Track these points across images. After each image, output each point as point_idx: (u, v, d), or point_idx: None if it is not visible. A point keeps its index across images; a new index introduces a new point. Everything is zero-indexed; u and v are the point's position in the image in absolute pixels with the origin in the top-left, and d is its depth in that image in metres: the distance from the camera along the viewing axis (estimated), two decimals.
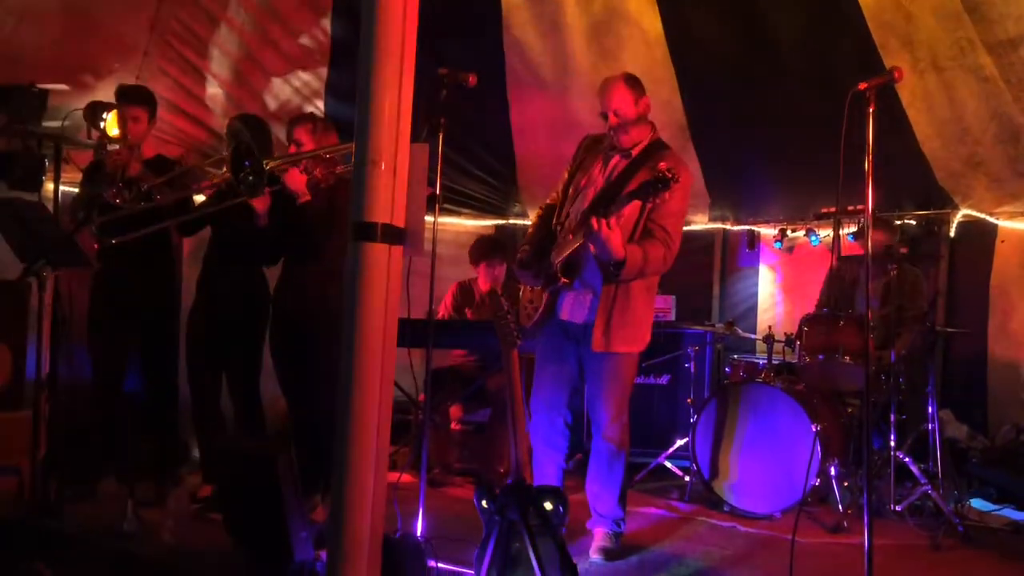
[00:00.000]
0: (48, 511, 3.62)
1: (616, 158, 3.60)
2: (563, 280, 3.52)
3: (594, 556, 3.52)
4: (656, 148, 3.56)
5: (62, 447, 3.86)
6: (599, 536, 3.60)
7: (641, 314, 3.54)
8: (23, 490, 4.01)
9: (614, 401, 3.56)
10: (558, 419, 3.65)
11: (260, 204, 3.83)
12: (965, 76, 4.70)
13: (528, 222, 6.80)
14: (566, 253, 3.48)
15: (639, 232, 3.45)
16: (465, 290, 5.49)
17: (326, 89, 5.79)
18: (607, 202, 3.36)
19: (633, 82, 3.53)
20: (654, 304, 3.68)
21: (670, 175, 3.10)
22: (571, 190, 3.68)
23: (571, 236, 3.47)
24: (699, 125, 5.71)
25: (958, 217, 5.59)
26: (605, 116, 3.53)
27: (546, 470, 3.65)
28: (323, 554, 2.80)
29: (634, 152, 3.55)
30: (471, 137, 6.11)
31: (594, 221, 3.21)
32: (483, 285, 5.40)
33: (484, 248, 5.38)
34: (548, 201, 3.83)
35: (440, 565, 3.01)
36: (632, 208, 3.37)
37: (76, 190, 4.53)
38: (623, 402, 3.59)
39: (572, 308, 3.59)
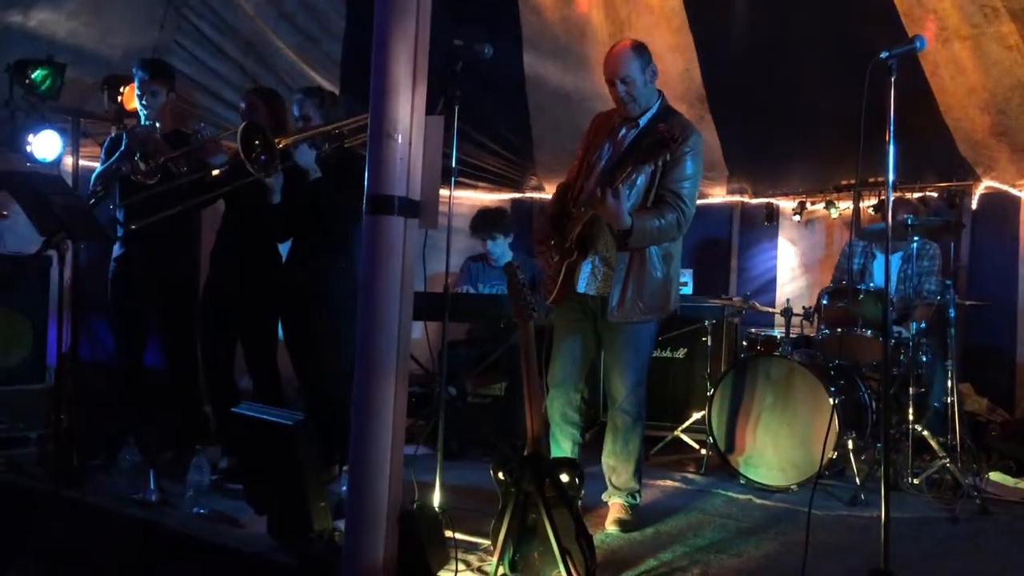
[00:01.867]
0: (70, 481, 3.67)
1: (625, 129, 3.57)
2: (577, 253, 3.51)
3: (610, 528, 3.53)
4: (665, 114, 3.53)
5: (83, 419, 3.91)
6: (615, 508, 3.61)
7: (660, 283, 3.51)
8: (46, 460, 4.08)
9: (631, 372, 3.55)
10: (575, 393, 3.65)
11: (273, 182, 3.83)
12: (989, 44, 4.62)
13: (545, 196, 6.80)
14: (578, 226, 3.47)
15: (651, 199, 3.43)
16: (476, 264, 5.49)
17: (342, 61, 5.78)
18: (615, 172, 3.34)
19: (640, 49, 3.49)
20: (677, 272, 3.65)
21: (668, 135, 3.07)
22: (584, 167, 3.66)
23: (582, 209, 3.46)
24: (718, 96, 5.65)
25: (980, 189, 5.53)
26: (612, 84, 3.50)
27: (563, 444, 3.66)
28: (341, 524, 2.84)
29: (643, 121, 3.52)
30: (487, 109, 6.08)
31: (597, 191, 3.20)
32: (491, 258, 5.41)
33: (475, 222, 5.39)
34: (565, 180, 3.82)
35: (457, 535, 3.03)
36: (636, 175, 3.35)
37: (94, 164, 4.56)
38: (640, 374, 3.58)
39: (589, 281, 3.58)
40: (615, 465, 3.62)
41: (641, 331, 3.54)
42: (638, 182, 3.36)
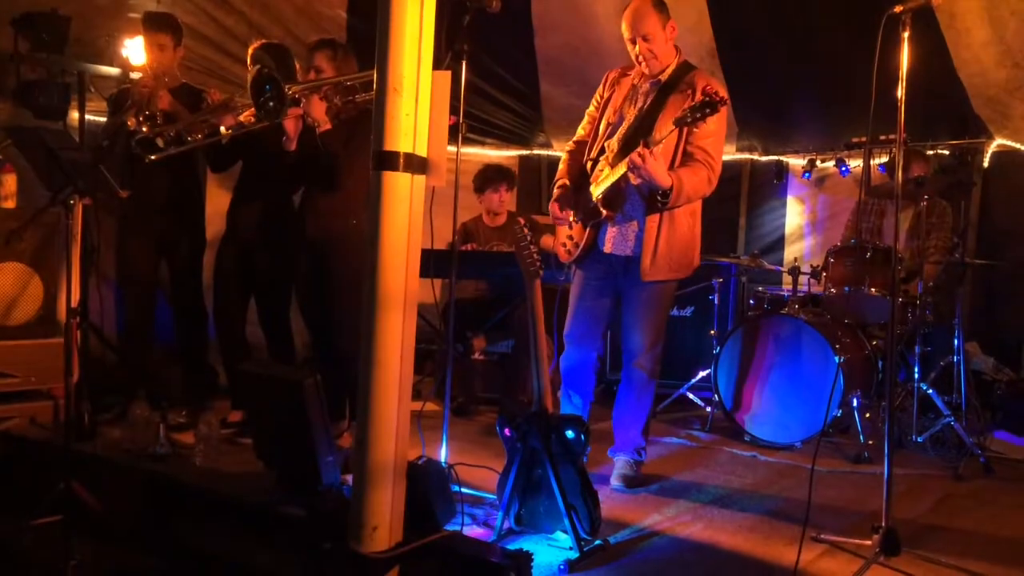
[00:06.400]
0: (82, 435, 3.71)
1: (646, 87, 3.53)
2: (606, 213, 3.49)
3: (615, 483, 3.57)
4: (685, 70, 3.49)
5: (94, 373, 3.94)
6: (620, 464, 3.64)
7: (688, 240, 3.53)
8: (57, 414, 4.12)
9: (652, 329, 3.57)
10: (591, 353, 3.67)
11: (291, 127, 3.82)
12: None
13: (552, 152, 6.75)
14: (606, 186, 3.44)
15: (679, 157, 3.41)
16: (468, 227, 5.47)
17: (348, 12, 5.71)
18: (645, 131, 3.31)
19: (660, 5, 3.44)
20: (699, 227, 3.64)
21: (717, 98, 3.04)
22: (602, 125, 3.62)
23: (609, 169, 3.43)
24: (728, 50, 5.58)
25: (992, 147, 5.47)
26: (633, 42, 3.45)
27: (573, 400, 3.68)
28: (349, 478, 2.87)
29: (663, 78, 3.48)
30: (495, 64, 6.01)
31: (636, 153, 3.16)
32: (487, 219, 5.39)
33: (480, 177, 5.36)
34: (576, 137, 3.77)
35: (463, 490, 3.06)
36: (671, 134, 3.32)
37: (100, 119, 4.53)
38: (660, 331, 3.60)
39: (616, 241, 3.55)
40: (625, 421, 3.65)
41: (665, 289, 3.56)
42: (665, 141, 3.33)
